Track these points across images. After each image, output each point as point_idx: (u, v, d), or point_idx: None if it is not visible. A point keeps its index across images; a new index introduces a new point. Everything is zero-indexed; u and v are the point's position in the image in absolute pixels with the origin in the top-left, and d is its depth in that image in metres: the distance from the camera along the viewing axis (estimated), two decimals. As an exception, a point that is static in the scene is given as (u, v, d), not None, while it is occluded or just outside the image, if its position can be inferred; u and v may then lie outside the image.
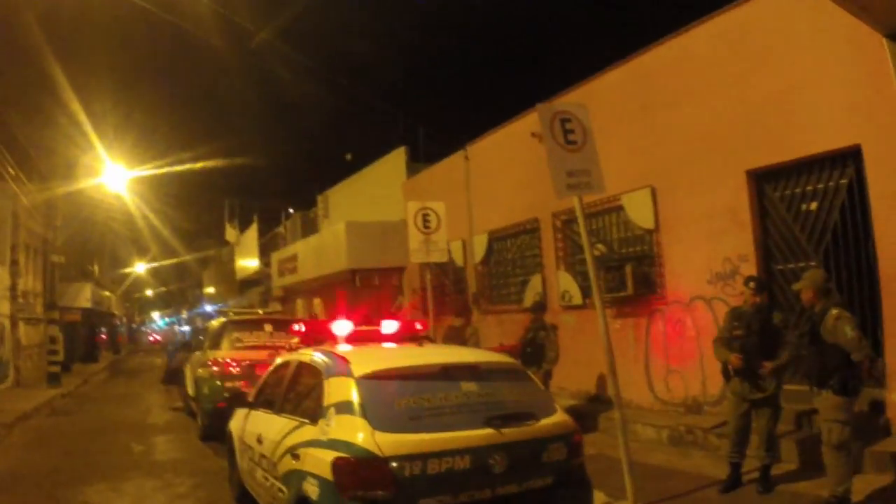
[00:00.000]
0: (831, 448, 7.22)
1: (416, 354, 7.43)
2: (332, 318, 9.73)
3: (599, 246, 13.85)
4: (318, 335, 8.89)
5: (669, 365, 12.32)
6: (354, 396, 6.19)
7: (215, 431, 10.31)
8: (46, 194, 28.46)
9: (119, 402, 22.21)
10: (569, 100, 12.18)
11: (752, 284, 8.61)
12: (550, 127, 8.29)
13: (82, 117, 22.94)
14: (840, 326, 7.16)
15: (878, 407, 9.05)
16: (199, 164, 30.67)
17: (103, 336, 52.95)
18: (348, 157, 31.91)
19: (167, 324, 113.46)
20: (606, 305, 13.12)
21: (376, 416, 5.97)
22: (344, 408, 6.21)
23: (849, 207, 9.68)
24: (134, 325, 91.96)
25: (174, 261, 62.06)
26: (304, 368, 7.74)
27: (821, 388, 7.31)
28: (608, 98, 13.39)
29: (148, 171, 28.83)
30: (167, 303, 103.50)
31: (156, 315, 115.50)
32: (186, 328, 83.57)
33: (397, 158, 24.53)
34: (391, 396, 6.20)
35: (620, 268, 12.86)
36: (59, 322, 31.18)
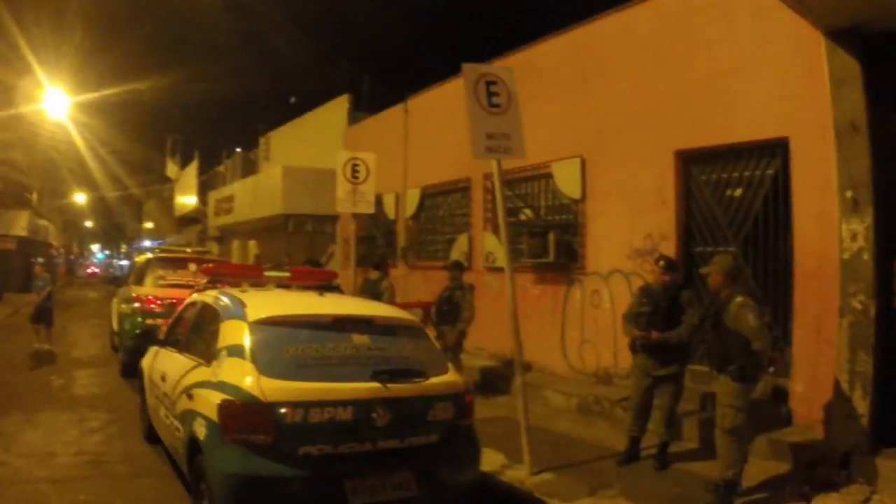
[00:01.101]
0: (724, 432, 7.27)
1: (313, 303, 7.47)
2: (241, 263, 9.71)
3: (526, 211, 13.85)
4: (225, 276, 8.92)
5: (584, 335, 12.37)
6: (246, 340, 6.24)
7: (135, 368, 10.33)
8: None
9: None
10: (508, 63, 12.05)
11: (661, 263, 8.63)
12: (475, 88, 8.26)
13: (20, 38, 22.42)
14: (743, 314, 7.16)
15: (781, 396, 9.14)
16: (143, 94, 30.18)
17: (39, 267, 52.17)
18: (292, 100, 31.59)
19: (105, 257, 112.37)
20: (528, 271, 13.26)
21: (264, 361, 6.01)
22: (235, 351, 6.26)
23: (772, 198, 9.70)
24: (72, 257, 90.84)
25: (115, 194, 61.12)
26: (207, 309, 7.76)
27: (720, 372, 7.35)
28: (547, 65, 13.36)
29: (90, 96, 28.26)
30: (108, 236, 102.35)
31: (95, 248, 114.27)
32: (125, 262, 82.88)
33: (340, 106, 24.31)
34: (281, 343, 6.22)
35: (544, 234, 12.84)
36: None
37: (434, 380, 6.45)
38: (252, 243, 30.21)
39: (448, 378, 6.65)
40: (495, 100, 8.31)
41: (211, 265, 10.67)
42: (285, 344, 6.21)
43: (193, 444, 6.30)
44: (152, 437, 9.16)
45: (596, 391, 11.35)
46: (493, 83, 8.34)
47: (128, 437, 9.89)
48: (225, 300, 7.31)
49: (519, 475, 8.11)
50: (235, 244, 33.12)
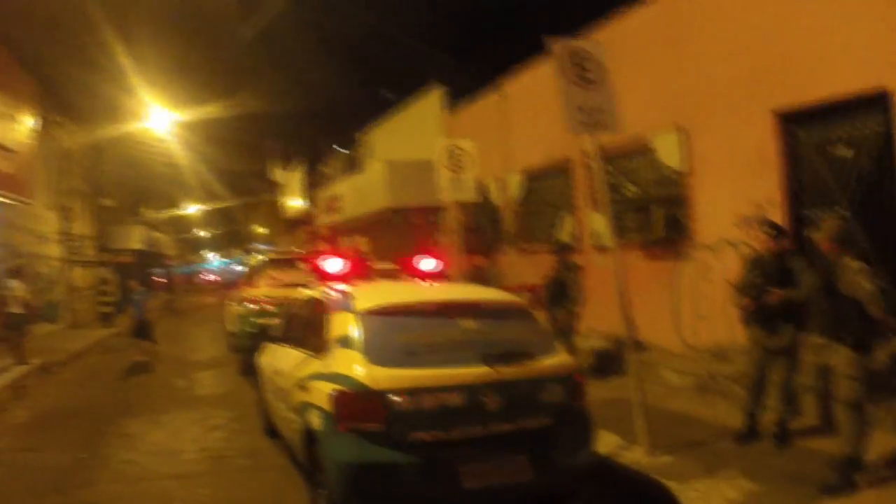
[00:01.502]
0: (843, 405, 6.94)
1: (419, 291, 7.57)
2: (354, 256, 9.74)
3: (630, 186, 13.59)
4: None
5: (697, 310, 12.03)
6: (354, 331, 6.34)
7: (253, 366, 10.62)
8: (93, 139, 28.78)
9: (167, 340, 22.76)
10: (598, 37, 11.79)
11: (767, 229, 8.35)
12: (564, 64, 8.12)
13: (127, 60, 22.99)
14: (857, 279, 6.77)
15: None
16: (244, 106, 30.71)
17: (160, 279, 53.70)
18: (387, 94, 31.63)
19: (221, 264, 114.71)
20: (636, 247, 12.99)
21: (374, 350, 6.10)
22: (345, 342, 6.38)
23: (880, 154, 9.27)
24: (188, 266, 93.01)
25: (225, 203, 62.38)
26: (316, 304, 7.93)
27: (836, 342, 7.00)
28: (637, 36, 13.04)
29: (194, 113, 28.93)
30: (221, 244, 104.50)
31: (210, 255, 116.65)
32: (240, 268, 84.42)
33: (435, 97, 24.23)
34: (390, 332, 6.30)
35: (650, 209, 12.61)
36: (110, 264, 31.80)
37: (543, 361, 6.43)
38: (361, 239, 30.39)
39: (557, 359, 6.61)
40: (586, 74, 8.14)
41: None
42: (394, 332, 6.29)
43: (309, 435, 6.46)
44: (272, 431, 9.40)
45: (712, 368, 11.01)
46: (583, 58, 8.16)
47: (249, 433, 10.24)
48: (333, 293, 7.46)
49: (636, 456, 7.97)
50: (345, 241, 33.34)
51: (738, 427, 8.63)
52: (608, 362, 12.65)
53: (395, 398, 5.75)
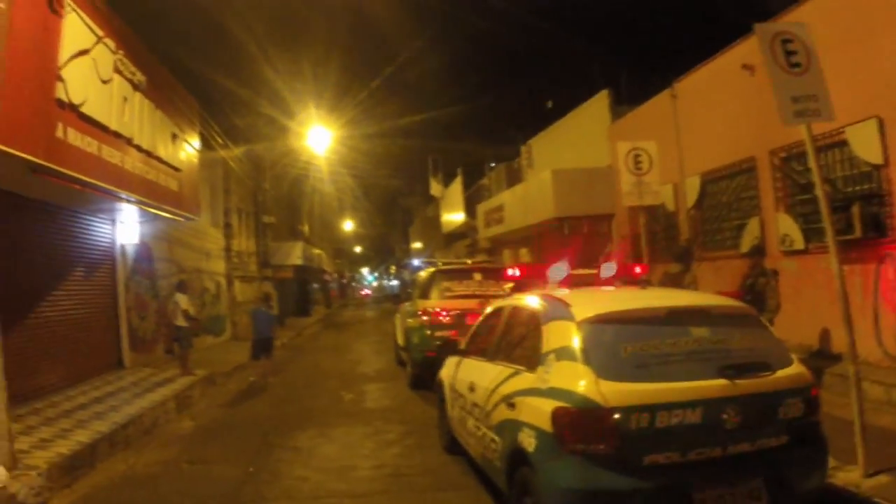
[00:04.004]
0: None
1: (640, 297, 6.92)
2: (545, 264, 9.37)
3: (825, 185, 12.82)
4: (533, 279, 8.58)
5: (901, 316, 11.15)
6: (576, 342, 5.83)
7: (425, 380, 10.34)
8: (254, 157, 29.55)
9: (330, 353, 22.98)
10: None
11: None
12: (771, 49, 7.58)
13: (286, 85, 23.40)
14: None
15: None
16: (401, 122, 31.28)
17: (331, 291, 54.99)
18: (549, 104, 31.35)
19: (375, 279, 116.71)
20: (832, 250, 12.20)
21: (600, 362, 5.58)
22: (564, 354, 5.87)
23: None
24: (345, 281, 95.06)
25: (381, 219, 63.60)
26: (520, 313, 7.47)
27: None
28: (826, 21, 12.10)
29: (352, 132, 29.45)
30: (377, 259, 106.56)
31: (365, 270, 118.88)
32: (395, 282, 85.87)
33: (600, 102, 23.85)
34: (616, 342, 5.75)
35: (846, 208, 11.82)
36: (272, 279, 32.64)
37: (781, 373, 5.80)
38: (523, 251, 30.17)
39: (795, 370, 5.96)
40: (794, 59, 7.58)
41: (518, 270, 10.55)
42: (620, 342, 5.74)
43: (517, 456, 6.02)
44: (453, 448, 9.05)
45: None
46: (789, 41, 7.61)
47: (426, 449, 9.90)
48: (542, 302, 6.95)
49: (852, 477, 7.31)
50: (506, 253, 33.21)
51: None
52: (806, 374, 11.92)
53: (628, 416, 5.24)
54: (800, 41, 7.68)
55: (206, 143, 23.11)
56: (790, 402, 5.68)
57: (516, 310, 7.62)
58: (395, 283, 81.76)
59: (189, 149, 18.06)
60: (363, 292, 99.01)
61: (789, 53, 7.60)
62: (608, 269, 8.02)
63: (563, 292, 7.09)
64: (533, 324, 6.75)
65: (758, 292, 11.13)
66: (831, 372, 11.24)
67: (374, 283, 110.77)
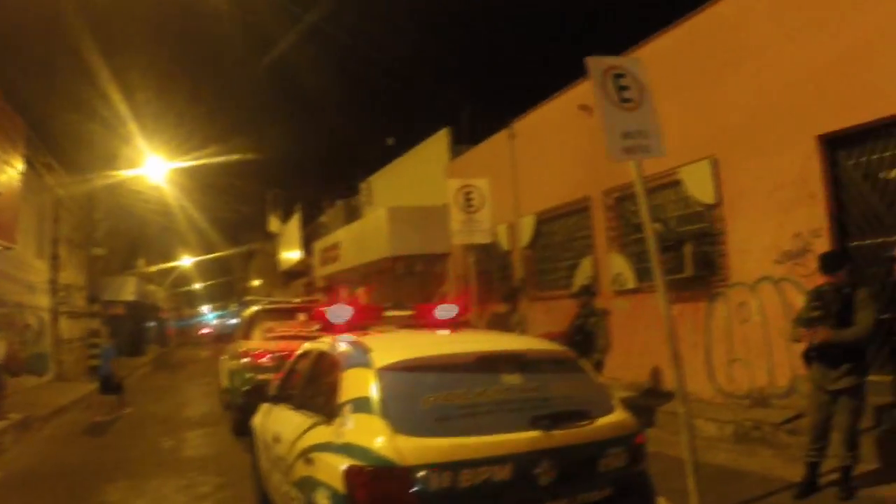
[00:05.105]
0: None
1: (448, 341, 6.48)
2: (361, 303, 8.94)
3: (655, 224, 12.94)
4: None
5: (733, 353, 11.36)
6: (373, 391, 5.25)
7: (247, 426, 9.78)
8: (86, 186, 28.40)
9: (158, 396, 22.20)
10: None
11: (823, 261, 7.86)
12: (603, 83, 7.43)
13: (121, 109, 22.58)
14: None
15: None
16: (239, 154, 30.41)
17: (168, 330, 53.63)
18: (390, 141, 31.28)
19: (217, 317, 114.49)
20: (664, 289, 12.30)
21: (399, 415, 5.04)
22: (361, 405, 5.27)
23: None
24: (182, 319, 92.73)
25: (218, 255, 62.30)
26: (322, 358, 6.85)
27: None
28: (662, 63, 12.34)
29: (188, 161, 28.60)
30: (215, 296, 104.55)
31: (205, 308, 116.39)
32: (234, 320, 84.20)
33: (440, 140, 23.82)
34: (417, 392, 5.21)
35: (678, 247, 11.98)
36: (101, 315, 31.32)
37: (602, 421, 5.37)
38: (361, 290, 29.87)
39: (617, 417, 5.56)
40: (626, 94, 7.47)
41: (323, 308, 10.05)
42: (422, 392, 5.20)
43: None
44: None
45: (753, 415, 10.32)
46: (622, 76, 7.51)
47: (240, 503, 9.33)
48: (344, 346, 6.35)
49: (687, 520, 7.17)
50: (344, 293, 32.87)
51: (790, 478, 8.01)
52: (635, 414, 11.90)
53: (428, 475, 4.74)
54: (632, 76, 7.60)
55: (33, 168, 21.99)
56: (612, 452, 5.32)
57: (320, 354, 7.04)
58: (235, 321, 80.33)
59: (11, 172, 17.04)
60: (203, 331, 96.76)
61: (621, 88, 7.50)
62: (445, 310, 7.62)
63: (367, 336, 6.60)
64: (332, 370, 6.16)
65: (588, 332, 11.08)
66: (664, 410, 11.26)
67: (216, 322, 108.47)
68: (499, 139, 18.95)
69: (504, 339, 7.29)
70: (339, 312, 7.27)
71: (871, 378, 8.07)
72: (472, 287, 13.21)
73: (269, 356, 13.86)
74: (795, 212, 10.22)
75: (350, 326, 7.21)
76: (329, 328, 7.58)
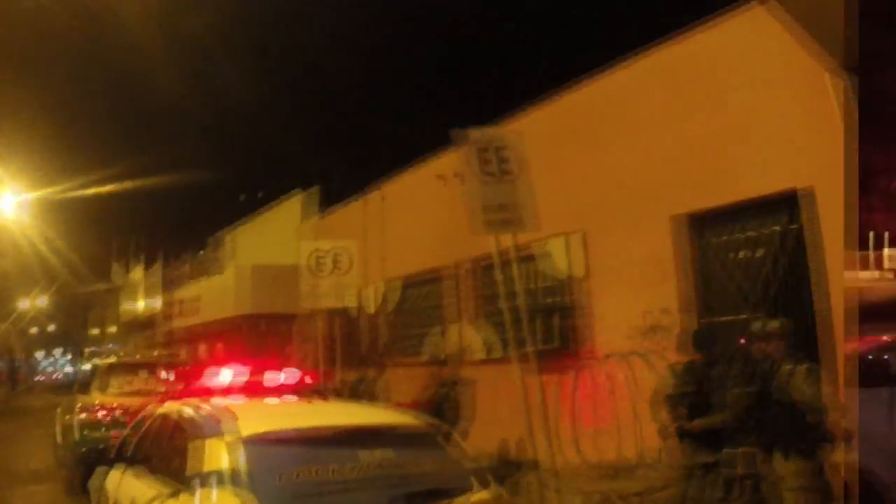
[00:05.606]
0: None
1: (304, 413, 6.21)
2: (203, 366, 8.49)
3: (518, 298, 13.09)
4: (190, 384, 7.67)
5: (598, 424, 11.44)
6: (225, 465, 4.89)
7: (82, 485, 9.14)
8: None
9: (-4, 444, 20.88)
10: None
11: (695, 338, 8.08)
12: (469, 156, 7.33)
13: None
14: (812, 384, 6.48)
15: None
16: (93, 193, 29.47)
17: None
18: (242, 197, 31.03)
19: (69, 362, 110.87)
20: (528, 359, 12.29)
21: (260, 492, 4.69)
22: (210, 480, 4.90)
23: (791, 254, 9.07)
24: (33, 362, 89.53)
25: (59, 299, 60.14)
26: (168, 424, 6.45)
27: (784, 451, 6.56)
28: (535, 136, 12.53)
29: (34, 194, 27.47)
30: (60, 342, 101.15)
31: (58, 352, 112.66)
32: (69, 368, 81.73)
33: (307, 199, 23.73)
34: (274, 467, 4.91)
35: (547, 318, 12.09)
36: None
37: (461, 499, 5.12)
38: (202, 347, 29.22)
39: (479, 496, 5.24)
40: (503, 166, 7.41)
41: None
42: (279, 468, 4.91)
43: None
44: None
45: (618, 486, 10.38)
46: (502, 148, 7.46)
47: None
48: (192, 414, 5.99)
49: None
50: (186, 349, 32.16)
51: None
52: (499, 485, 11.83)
53: None
54: (512, 149, 7.58)
55: None
56: None
57: (165, 419, 6.60)
58: (69, 369, 77.71)
59: None
60: (55, 375, 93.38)
61: (490, 162, 7.45)
62: (289, 375, 7.27)
63: (219, 403, 6.20)
64: (181, 439, 5.78)
65: (451, 402, 10.95)
66: (526, 481, 11.20)
67: (70, 368, 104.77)
68: (363, 202, 18.99)
69: (360, 411, 7.16)
70: (222, 375, 6.93)
71: (740, 450, 8.25)
72: (325, 351, 13.04)
73: (108, 412, 13.36)
74: (658, 288, 10.45)
75: (222, 391, 6.86)
76: (191, 390, 7.20)
